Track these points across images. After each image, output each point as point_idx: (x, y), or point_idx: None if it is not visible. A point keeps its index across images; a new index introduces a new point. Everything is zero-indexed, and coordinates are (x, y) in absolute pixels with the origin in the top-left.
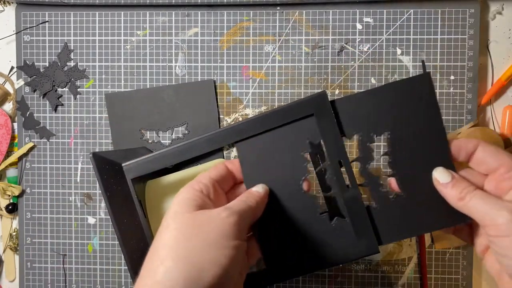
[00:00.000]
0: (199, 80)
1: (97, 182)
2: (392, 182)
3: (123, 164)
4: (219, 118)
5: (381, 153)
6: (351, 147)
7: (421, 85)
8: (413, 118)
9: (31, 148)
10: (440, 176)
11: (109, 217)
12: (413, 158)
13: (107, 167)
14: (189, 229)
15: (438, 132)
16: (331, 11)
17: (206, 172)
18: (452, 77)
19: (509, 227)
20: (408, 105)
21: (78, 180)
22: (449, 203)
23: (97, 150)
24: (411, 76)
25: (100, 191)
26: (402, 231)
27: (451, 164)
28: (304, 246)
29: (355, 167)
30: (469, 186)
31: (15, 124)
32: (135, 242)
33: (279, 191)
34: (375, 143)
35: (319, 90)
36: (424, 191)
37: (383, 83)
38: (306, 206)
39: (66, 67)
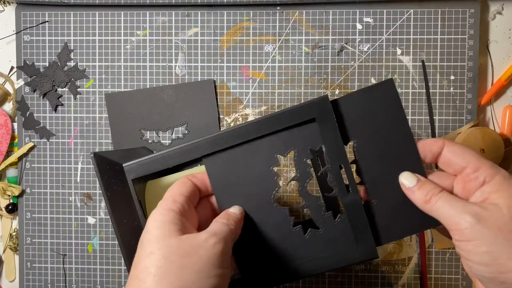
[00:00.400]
0: (199, 80)
1: (98, 182)
2: (362, 191)
3: (124, 165)
4: (219, 118)
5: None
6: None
7: (386, 91)
8: (380, 124)
9: (31, 148)
10: (405, 180)
11: (109, 217)
12: (382, 164)
13: (108, 167)
14: (177, 258)
15: (405, 137)
16: (331, 11)
17: (175, 188)
18: (452, 77)
19: (472, 232)
20: (374, 112)
21: (78, 180)
22: (418, 207)
23: (97, 150)
24: (382, 88)
25: (100, 191)
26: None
27: (421, 167)
28: (279, 258)
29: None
30: (434, 188)
31: (15, 124)
32: (135, 243)
33: (251, 206)
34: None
35: (319, 90)
36: (394, 197)
37: None
38: (279, 220)
39: (66, 67)
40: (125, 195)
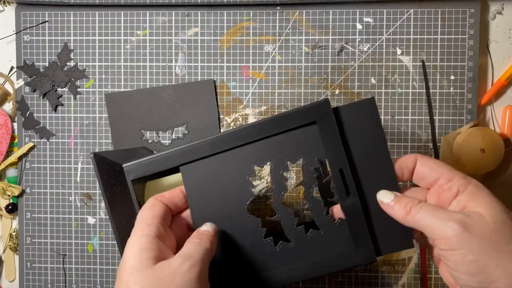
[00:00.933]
0: (199, 80)
1: (97, 182)
2: (334, 210)
3: (123, 165)
4: (219, 118)
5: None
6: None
7: (367, 109)
8: (361, 141)
9: (31, 148)
10: (383, 197)
11: (108, 217)
12: (361, 181)
13: (108, 168)
14: None
15: (383, 155)
16: (331, 11)
17: (146, 212)
18: (452, 77)
19: (459, 240)
20: (356, 129)
21: (78, 180)
22: (399, 222)
23: (97, 150)
24: (364, 106)
25: (100, 191)
26: (345, 259)
27: (396, 186)
28: (249, 268)
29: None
30: (412, 200)
31: (15, 124)
32: None
33: (225, 216)
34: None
35: (319, 90)
36: (372, 214)
37: (383, 83)
38: (251, 230)
39: (66, 67)
40: (124, 196)
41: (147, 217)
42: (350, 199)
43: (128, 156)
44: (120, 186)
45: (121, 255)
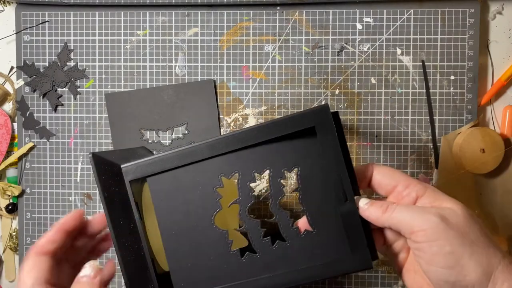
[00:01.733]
0: (199, 80)
1: (96, 183)
2: (299, 223)
3: (122, 166)
4: (219, 118)
5: (293, 190)
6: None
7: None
8: (317, 151)
9: (31, 148)
10: (357, 201)
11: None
12: (322, 193)
13: (106, 168)
14: None
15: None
16: (331, 11)
17: (26, 278)
18: (452, 77)
19: (437, 231)
20: (312, 139)
21: (78, 180)
22: (374, 224)
23: (97, 150)
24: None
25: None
26: (312, 271)
27: (358, 194)
28: (214, 280)
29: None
30: (386, 201)
31: (15, 124)
32: (130, 244)
33: (192, 227)
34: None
35: (319, 90)
36: (332, 227)
37: (383, 83)
38: (217, 241)
39: (66, 67)
40: (122, 196)
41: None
42: (348, 205)
43: (127, 156)
44: (117, 186)
45: (117, 256)
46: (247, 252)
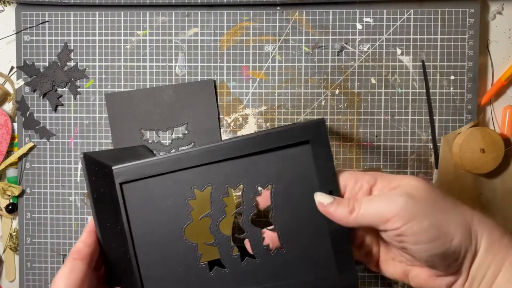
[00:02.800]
0: (199, 80)
1: (85, 183)
2: (267, 236)
3: (113, 168)
4: (219, 118)
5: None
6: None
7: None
8: (294, 167)
9: (31, 148)
10: (322, 198)
11: None
12: (296, 211)
13: (97, 169)
14: None
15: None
16: (331, 11)
17: (62, 281)
18: (452, 77)
19: (409, 210)
20: (287, 156)
21: (78, 180)
22: (341, 224)
23: (97, 150)
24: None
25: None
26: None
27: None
28: None
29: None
30: (350, 198)
31: (15, 124)
32: (116, 246)
33: (161, 237)
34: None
35: (319, 90)
36: (303, 245)
37: (383, 83)
38: (187, 254)
39: (66, 67)
40: (112, 198)
41: None
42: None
43: (125, 155)
44: (108, 188)
45: (102, 258)
46: (215, 267)
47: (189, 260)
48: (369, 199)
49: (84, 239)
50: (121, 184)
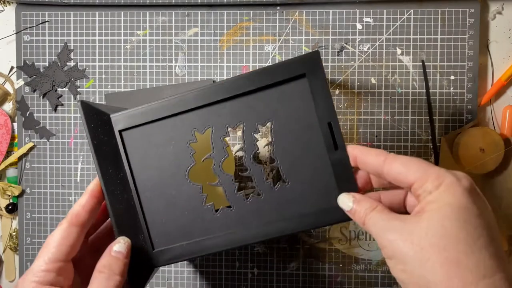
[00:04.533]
0: (199, 80)
1: (84, 131)
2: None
3: (111, 115)
4: None
5: (266, 144)
6: None
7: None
8: (291, 103)
9: (31, 148)
10: (343, 204)
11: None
12: (297, 145)
13: (95, 116)
14: None
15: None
16: (331, 11)
17: (53, 241)
18: (452, 77)
19: (392, 250)
20: (284, 92)
21: (78, 180)
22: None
23: None
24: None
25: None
26: (286, 224)
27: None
28: (190, 233)
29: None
30: (369, 207)
31: (15, 124)
32: (119, 193)
33: (165, 180)
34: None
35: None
36: (306, 178)
37: (383, 83)
38: (192, 196)
39: (66, 67)
40: (112, 146)
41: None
42: (338, 153)
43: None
44: (107, 136)
45: (107, 205)
46: (221, 207)
47: (195, 203)
48: (376, 217)
49: (84, 203)
50: (120, 131)
